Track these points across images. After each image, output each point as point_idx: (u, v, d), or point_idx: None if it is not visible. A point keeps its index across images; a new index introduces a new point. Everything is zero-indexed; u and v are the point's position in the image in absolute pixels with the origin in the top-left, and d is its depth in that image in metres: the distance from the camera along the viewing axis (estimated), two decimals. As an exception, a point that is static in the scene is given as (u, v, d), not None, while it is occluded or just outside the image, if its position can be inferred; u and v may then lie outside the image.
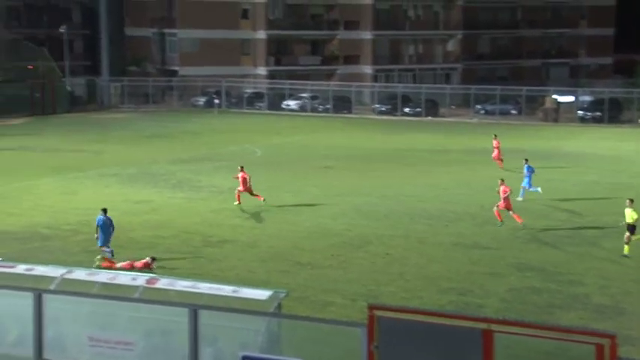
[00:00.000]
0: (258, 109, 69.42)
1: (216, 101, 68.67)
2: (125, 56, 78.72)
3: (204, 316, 12.64)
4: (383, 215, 29.70)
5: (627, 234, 24.23)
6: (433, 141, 50.82)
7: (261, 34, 78.62)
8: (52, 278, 15.47)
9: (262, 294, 14.95)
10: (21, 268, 16.11)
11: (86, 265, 21.61)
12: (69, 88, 67.78)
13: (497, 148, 39.17)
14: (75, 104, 67.08)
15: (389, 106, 68.31)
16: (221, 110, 67.66)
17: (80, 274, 16.30)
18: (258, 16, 78.63)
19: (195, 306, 12.81)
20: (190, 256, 24.23)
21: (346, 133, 55.17)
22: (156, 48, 78.65)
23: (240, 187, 30.91)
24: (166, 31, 77.42)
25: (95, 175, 36.67)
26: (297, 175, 37.93)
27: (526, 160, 32.73)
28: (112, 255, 23.22)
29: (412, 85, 75.53)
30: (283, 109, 69.03)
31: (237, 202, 30.81)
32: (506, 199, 27.65)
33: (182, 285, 15.59)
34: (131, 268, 21.89)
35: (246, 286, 16.36)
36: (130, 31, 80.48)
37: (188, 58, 76.08)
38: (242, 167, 31.53)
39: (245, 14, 78.66)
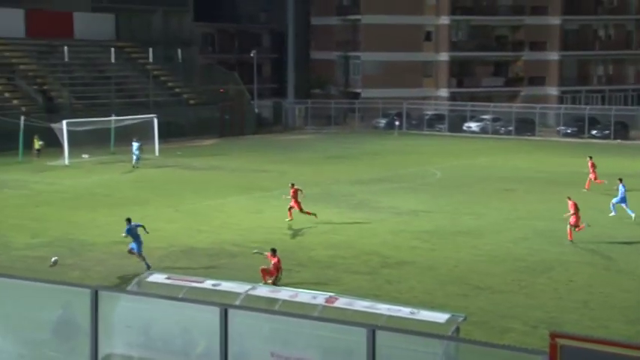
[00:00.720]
0: (438, 131, 69.10)
1: (397, 123, 69.01)
2: (310, 79, 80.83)
3: (381, 337, 12.68)
4: (567, 240, 28.66)
5: None
6: (622, 165, 48.55)
7: (444, 56, 78.37)
8: (237, 294, 16.06)
9: (440, 317, 14.82)
10: (209, 283, 16.83)
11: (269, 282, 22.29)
12: (256, 111, 70.39)
13: (593, 169, 39.22)
14: (261, 126, 69.55)
15: (575, 129, 66.03)
16: (401, 132, 67.90)
17: (263, 290, 16.83)
18: (441, 38, 78.48)
19: (373, 326, 12.88)
20: (369, 276, 24.41)
21: (529, 155, 53.80)
22: (339, 71, 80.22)
23: (292, 203, 31.27)
24: (350, 54, 78.81)
25: (279, 195, 37.76)
26: (477, 197, 37.37)
27: (620, 179, 33.43)
28: (148, 268, 23.33)
29: (600, 106, 72.69)
30: (464, 131, 68.32)
31: (288, 219, 31.16)
32: (575, 214, 28.08)
33: (361, 305, 15.73)
34: (276, 269, 22.66)
35: (424, 308, 16.29)
36: (315, 54, 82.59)
37: (370, 81, 77.04)
38: (293, 184, 32.14)
39: (428, 36, 78.76)
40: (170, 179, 42.99)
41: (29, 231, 29.68)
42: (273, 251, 23.17)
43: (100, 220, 31.94)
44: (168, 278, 17.08)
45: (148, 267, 23.66)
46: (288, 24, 75.54)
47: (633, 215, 31.94)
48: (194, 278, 17.52)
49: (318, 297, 16.22)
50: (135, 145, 46.74)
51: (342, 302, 15.85)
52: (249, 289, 16.36)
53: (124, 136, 50.10)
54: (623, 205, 32.46)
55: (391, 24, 76.18)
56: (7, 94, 57.72)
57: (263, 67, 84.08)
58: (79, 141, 48.20)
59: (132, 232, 24.79)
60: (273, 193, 38.15)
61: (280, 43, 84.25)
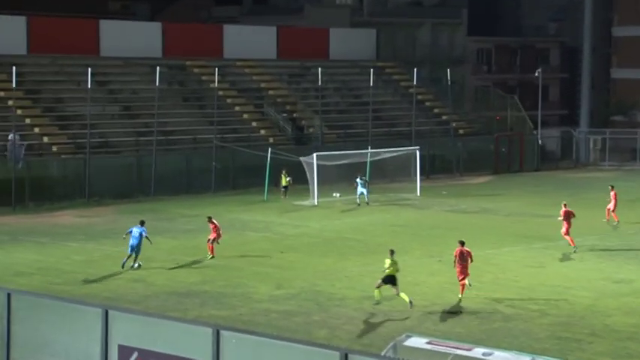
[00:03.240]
0: None
1: None
2: (609, 103, 78.56)
3: None
4: None
5: (380, 281, 27.20)
6: None
7: None
8: (513, 366, 15.86)
9: None
10: (478, 352, 16.77)
11: (553, 354, 21.78)
12: (540, 142, 69.38)
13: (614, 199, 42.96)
14: (546, 160, 68.48)
15: None
16: None
17: (544, 364, 16.49)
18: None
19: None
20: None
21: None
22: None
23: (212, 236, 34.33)
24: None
25: (567, 246, 36.88)
26: None
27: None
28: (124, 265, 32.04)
29: None
30: None
31: (210, 255, 34.33)
32: None
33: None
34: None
35: None
36: (618, 72, 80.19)
37: None
38: (210, 217, 34.99)
39: None
40: (433, 224, 43.36)
41: (273, 281, 31.12)
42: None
43: (350, 269, 32.85)
44: (429, 343, 17.23)
45: (131, 266, 32.10)
46: (584, 36, 74.01)
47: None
48: (460, 344, 17.53)
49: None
50: (359, 182, 48.06)
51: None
52: (528, 362, 16.11)
53: (383, 171, 51.26)
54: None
55: None
56: (254, 124, 61.04)
57: (550, 90, 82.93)
58: (330, 177, 49.89)
59: (137, 235, 32.02)
60: (557, 243, 37.34)
61: (573, 59, 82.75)
